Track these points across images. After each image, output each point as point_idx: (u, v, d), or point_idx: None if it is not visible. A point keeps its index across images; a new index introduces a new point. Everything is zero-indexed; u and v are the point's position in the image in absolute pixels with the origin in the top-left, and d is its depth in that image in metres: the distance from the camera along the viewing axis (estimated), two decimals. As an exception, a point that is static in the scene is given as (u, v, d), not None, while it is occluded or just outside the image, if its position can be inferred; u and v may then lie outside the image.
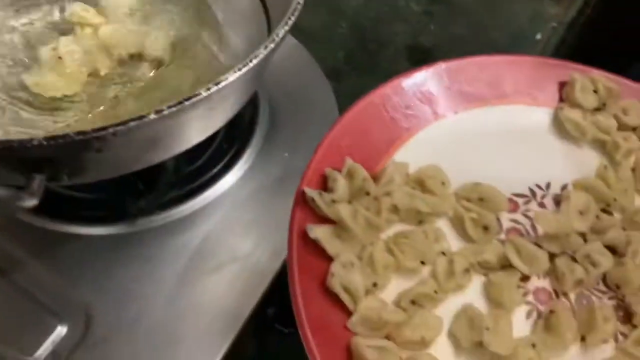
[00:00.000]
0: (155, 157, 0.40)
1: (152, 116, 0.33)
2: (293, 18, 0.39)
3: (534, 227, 0.38)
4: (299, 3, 0.39)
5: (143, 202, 0.48)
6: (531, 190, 0.40)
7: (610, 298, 0.36)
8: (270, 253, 0.46)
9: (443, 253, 0.36)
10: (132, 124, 0.32)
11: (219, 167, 0.51)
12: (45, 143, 0.31)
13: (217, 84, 0.35)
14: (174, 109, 0.33)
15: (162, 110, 0.33)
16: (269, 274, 0.45)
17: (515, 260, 0.36)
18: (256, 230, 0.48)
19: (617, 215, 0.40)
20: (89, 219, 0.47)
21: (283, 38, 0.38)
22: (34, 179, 0.34)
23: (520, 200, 0.40)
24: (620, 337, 0.35)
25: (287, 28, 0.38)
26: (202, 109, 0.37)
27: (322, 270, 0.34)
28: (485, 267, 0.36)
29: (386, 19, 0.80)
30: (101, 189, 0.48)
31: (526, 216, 0.39)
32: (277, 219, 0.48)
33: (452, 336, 0.33)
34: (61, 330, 0.40)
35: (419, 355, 0.32)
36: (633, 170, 0.42)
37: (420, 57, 0.78)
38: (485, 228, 0.37)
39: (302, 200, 0.37)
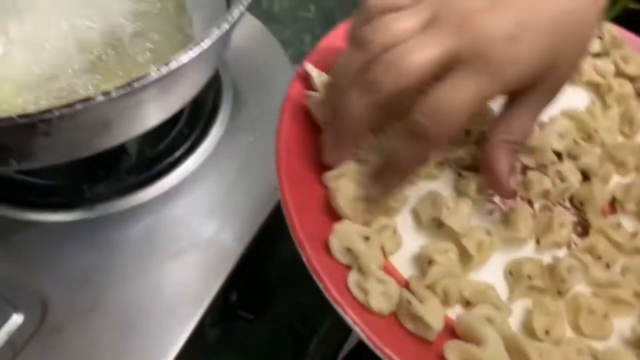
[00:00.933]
0: (108, 141, 0.39)
1: (100, 98, 0.32)
2: (249, -1, 0.38)
3: (514, 143, 0.40)
4: (257, -16, 0.37)
5: (101, 188, 0.47)
6: (519, 115, 0.42)
7: (572, 215, 0.38)
8: (233, 238, 0.46)
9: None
10: (78, 106, 0.32)
11: (180, 151, 0.50)
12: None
13: (167, 64, 0.34)
14: (122, 91, 0.32)
15: (109, 92, 0.32)
16: (232, 259, 0.45)
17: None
18: (219, 215, 0.47)
19: (597, 149, 0.41)
20: (45, 206, 0.46)
21: (238, 19, 0.37)
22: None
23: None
24: (574, 247, 0.37)
25: (242, 8, 0.38)
26: (154, 90, 0.36)
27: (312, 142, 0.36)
28: (460, 166, 0.38)
29: (354, 3, 0.80)
30: (58, 174, 0.48)
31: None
32: (240, 203, 0.48)
33: (415, 213, 0.36)
34: (17, 320, 0.40)
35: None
36: (621, 116, 0.43)
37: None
38: (468, 133, 0.39)
39: (301, 79, 0.39)
